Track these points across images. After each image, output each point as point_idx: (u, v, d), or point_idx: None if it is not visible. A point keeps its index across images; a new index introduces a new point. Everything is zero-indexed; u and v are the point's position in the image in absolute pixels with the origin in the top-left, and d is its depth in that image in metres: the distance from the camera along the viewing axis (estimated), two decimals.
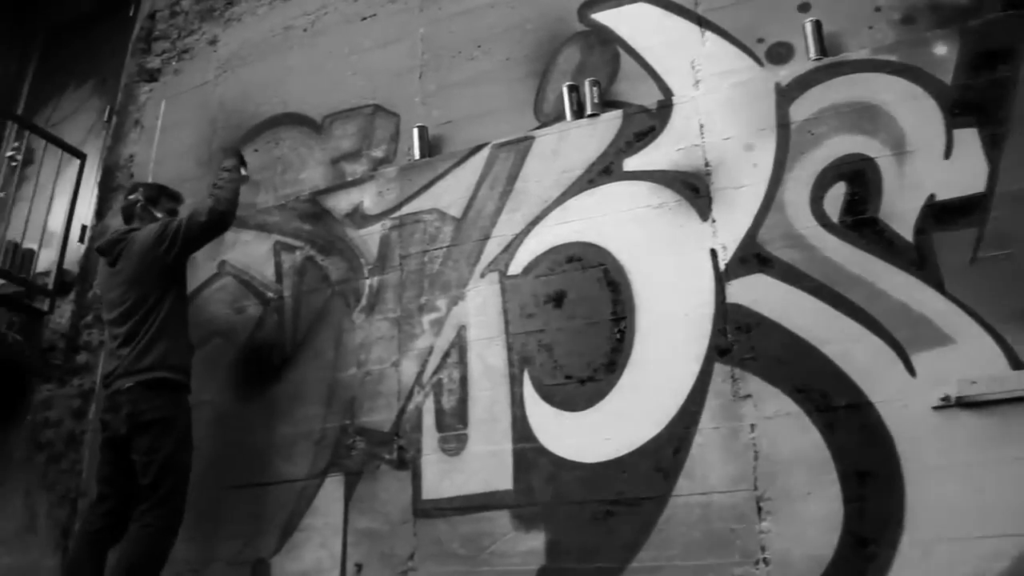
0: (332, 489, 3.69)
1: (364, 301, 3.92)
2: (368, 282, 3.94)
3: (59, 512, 4.39)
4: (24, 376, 4.85)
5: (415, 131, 4.10)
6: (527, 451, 3.33)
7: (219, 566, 3.83)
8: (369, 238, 4.02)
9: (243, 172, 4.07)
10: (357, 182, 4.20)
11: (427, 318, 3.73)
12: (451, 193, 3.89)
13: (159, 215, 3.94)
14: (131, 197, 3.99)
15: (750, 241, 3.26)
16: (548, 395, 3.38)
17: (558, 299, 3.49)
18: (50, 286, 5.00)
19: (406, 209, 3.98)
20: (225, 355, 4.18)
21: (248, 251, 4.37)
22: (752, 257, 3.24)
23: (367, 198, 4.12)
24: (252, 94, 4.85)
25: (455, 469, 3.44)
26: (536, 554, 3.20)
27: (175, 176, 4.81)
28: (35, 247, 5.00)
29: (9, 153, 5.69)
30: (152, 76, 5.38)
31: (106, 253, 3.85)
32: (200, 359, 4.03)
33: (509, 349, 3.51)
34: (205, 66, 5.16)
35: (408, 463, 3.55)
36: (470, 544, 3.31)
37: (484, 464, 3.39)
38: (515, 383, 3.44)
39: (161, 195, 4.03)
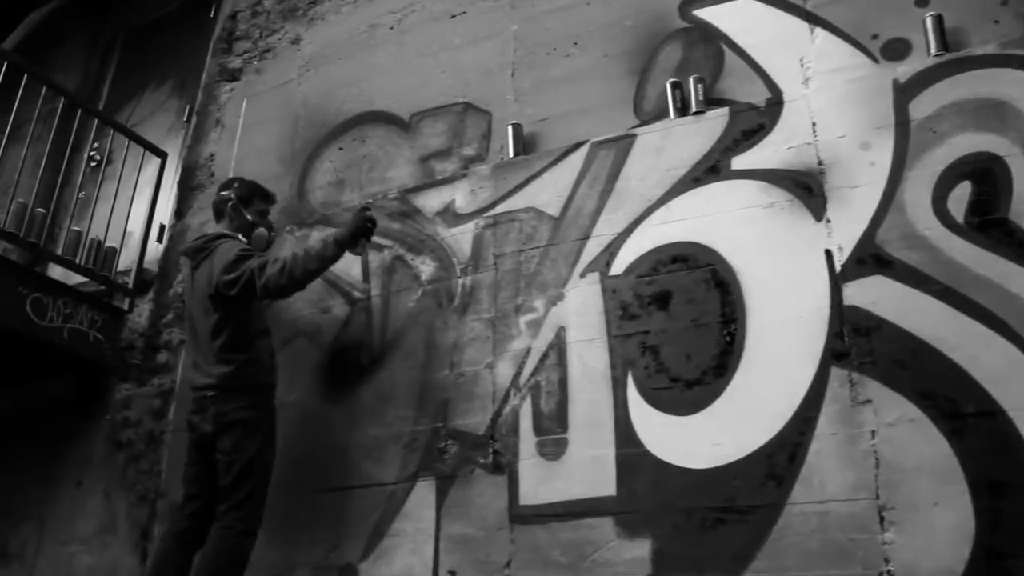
0: (423, 493, 3.65)
1: (457, 301, 3.89)
2: (461, 282, 3.92)
3: (138, 513, 4.41)
4: (103, 375, 4.89)
5: (509, 128, 4.08)
6: (631, 456, 3.27)
7: (304, 571, 3.81)
8: (462, 237, 4.00)
9: (346, 249, 3.67)
10: (448, 180, 4.18)
11: (524, 319, 3.69)
12: (548, 191, 3.85)
13: (249, 216, 3.93)
14: (223, 194, 3.98)
15: (868, 242, 3.18)
16: (653, 398, 3.31)
17: (663, 300, 3.43)
18: (130, 285, 5.04)
19: (501, 208, 3.96)
20: (310, 356, 4.18)
21: None
22: (870, 258, 3.16)
23: (459, 196, 4.10)
24: (336, 92, 4.87)
25: (554, 474, 3.38)
26: (641, 563, 3.13)
27: (256, 174, 4.80)
28: (116, 246, 5.03)
29: (90, 152, 5.76)
30: (233, 76, 5.43)
31: (189, 257, 3.88)
32: (284, 359, 4.03)
33: (611, 351, 3.45)
34: (288, 65, 5.20)
35: (504, 467, 3.50)
36: (571, 552, 3.25)
37: (585, 469, 3.33)
38: (618, 386, 3.39)
39: (254, 196, 4.00)
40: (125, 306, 5.01)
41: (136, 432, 4.62)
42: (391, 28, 4.84)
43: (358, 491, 3.80)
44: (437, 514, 3.59)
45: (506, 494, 3.46)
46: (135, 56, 6.43)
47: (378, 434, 3.85)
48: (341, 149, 4.66)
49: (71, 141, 5.31)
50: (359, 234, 3.67)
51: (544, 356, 3.58)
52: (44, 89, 4.87)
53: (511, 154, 4.04)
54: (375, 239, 4.16)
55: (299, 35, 5.23)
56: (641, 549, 3.14)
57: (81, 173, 5.70)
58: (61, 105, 5.29)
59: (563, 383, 3.50)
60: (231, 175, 4.98)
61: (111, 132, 5.36)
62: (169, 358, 4.73)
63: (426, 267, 4.05)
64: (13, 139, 4.76)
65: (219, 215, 3.98)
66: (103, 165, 5.40)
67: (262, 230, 3.96)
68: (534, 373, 3.58)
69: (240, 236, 3.88)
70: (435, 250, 4.06)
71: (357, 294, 4.18)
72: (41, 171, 5.44)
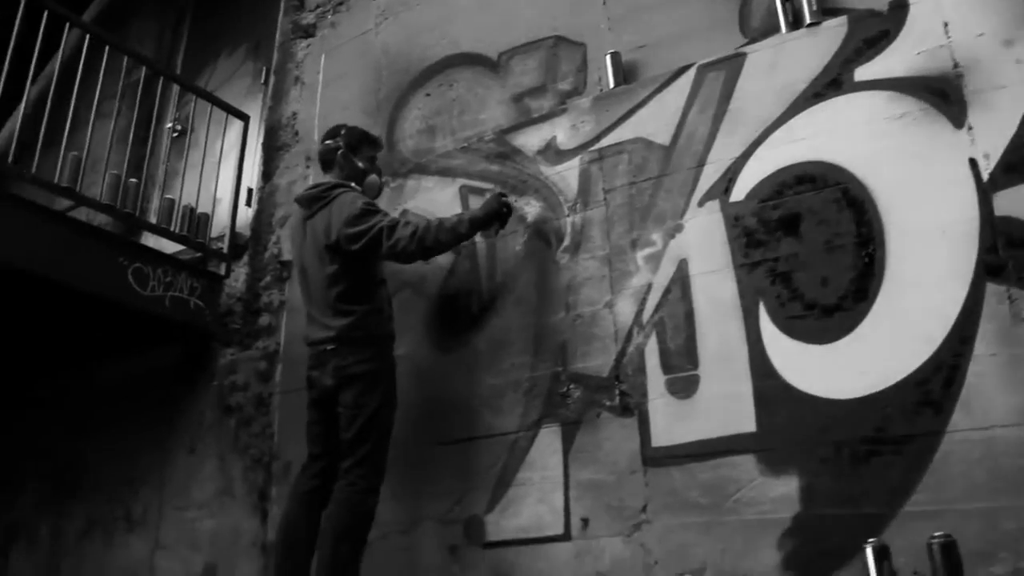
0: (548, 440, 3.50)
1: (567, 241, 3.71)
2: (570, 220, 3.73)
3: (254, 476, 4.35)
4: (207, 341, 4.83)
5: (608, 58, 3.85)
6: (769, 389, 3.06)
7: (430, 525, 3.70)
8: (567, 174, 3.80)
9: (479, 230, 3.63)
10: (547, 117, 3.97)
11: (641, 254, 3.49)
12: (656, 120, 3.63)
13: (360, 164, 3.79)
14: (329, 143, 3.82)
15: (1018, 147, 2.90)
16: (788, 328, 3.10)
17: (791, 224, 3.20)
18: (224, 250, 4.95)
19: (606, 141, 3.74)
20: (417, 307, 4.04)
21: (432, 198, 4.21)
22: (1022, 164, 2.89)
23: (560, 133, 3.89)
24: (418, 38, 4.67)
25: (688, 413, 3.20)
26: (789, 500, 2.94)
27: None
28: (207, 212, 4.95)
29: (171, 123, 5.69)
30: (308, 32, 5.27)
31: (304, 206, 3.74)
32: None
33: (739, 281, 3.24)
34: (364, 16, 5.01)
35: (633, 409, 3.33)
36: (712, 492, 3.08)
37: (721, 406, 3.14)
38: (749, 317, 3.18)
39: (362, 143, 3.85)
40: (222, 271, 4.93)
41: (244, 396, 4.55)
42: None
43: (479, 442, 3.68)
44: (564, 460, 3.44)
45: (637, 436, 3.29)
46: (206, 24, 6.30)
47: (495, 383, 3.71)
48: (428, 95, 4.48)
49: (155, 111, 5.23)
50: (494, 218, 3.55)
51: (667, 291, 3.39)
52: (125, 61, 4.76)
53: (611, 84, 3.81)
54: (475, 183, 4.00)
55: None
56: (787, 486, 2.96)
57: (166, 144, 5.63)
58: (143, 75, 5.22)
59: (689, 317, 3.30)
60: (316, 133, 4.84)
61: (192, 101, 5.26)
62: (271, 320, 4.64)
63: (531, 208, 3.87)
64: (98, 115, 4.67)
65: (328, 165, 3.83)
66: (188, 134, 5.29)
67: (374, 177, 3.84)
68: (657, 309, 3.39)
69: (353, 184, 3.73)
70: (539, 190, 3.87)
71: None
72: (129, 143, 5.40)
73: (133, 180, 4.64)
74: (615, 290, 3.51)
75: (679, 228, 3.43)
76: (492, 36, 4.36)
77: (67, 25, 4.54)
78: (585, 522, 3.32)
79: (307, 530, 3.47)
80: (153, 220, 4.84)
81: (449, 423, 3.78)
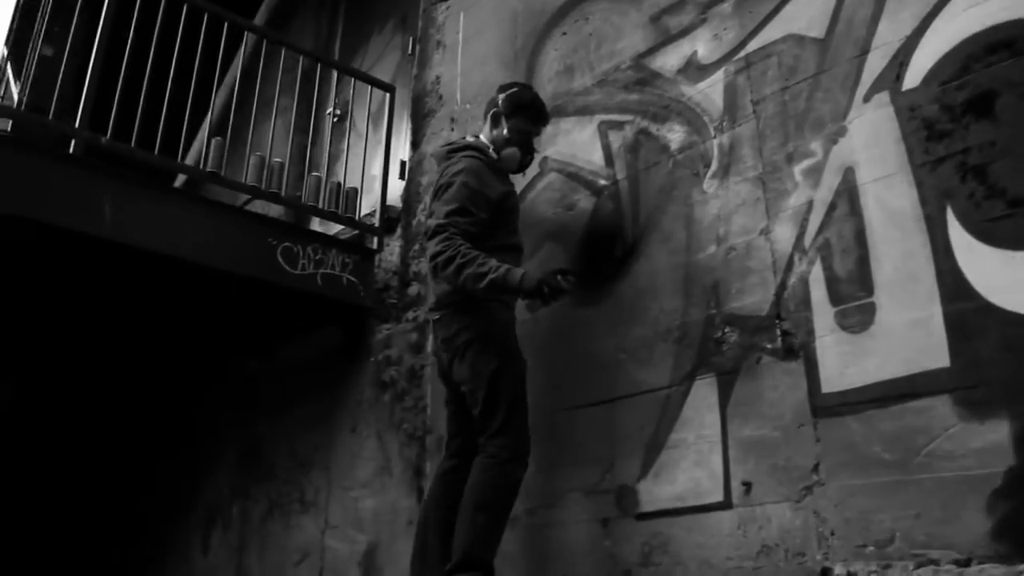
0: (703, 394, 2.96)
1: (715, 165, 3.14)
2: (717, 142, 3.16)
3: (408, 452, 4.07)
4: (363, 318, 4.61)
5: None
6: (967, 313, 2.37)
7: (577, 497, 3.25)
8: (711, 91, 3.23)
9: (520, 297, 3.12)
10: (686, 32, 3.41)
11: (799, 168, 2.88)
12: (807, 11, 2.99)
13: (505, 132, 3.34)
14: (493, 97, 3.45)
15: None
16: (986, 234, 2.39)
17: (984, 104, 2.47)
18: (376, 224, 4.73)
19: (752, 46, 3.14)
20: (557, 259, 3.58)
21: (570, 140, 3.76)
22: None
23: (701, 46, 3.32)
24: None
25: (863, 350, 2.56)
26: (1000, 451, 2.25)
27: (481, 84, 4.34)
28: (357, 188, 4.75)
29: (331, 110, 5.59)
30: None
31: (437, 163, 3.45)
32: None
33: (919, 184, 2.56)
34: None
35: (797, 351, 2.73)
36: (897, 445, 2.43)
37: (904, 338, 2.48)
38: (934, 226, 2.49)
39: (519, 111, 3.36)
40: (374, 246, 4.70)
41: (398, 370, 4.29)
42: None
43: (627, 401, 3.18)
44: (722, 416, 2.88)
45: (803, 383, 2.69)
46: (358, 9, 6.17)
47: (643, 334, 3.20)
48: (565, 34, 4.02)
49: (315, 98, 5.14)
50: (537, 295, 2.91)
51: (831, 207, 2.75)
52: (283, 53, 4.67)
53: None
54: (614, 117, 3.52)
55: None
56: (996, 433, 2.26)
57: (327, 130, 5.53)
58: (300, 64, 5.15)
59: (860, 236, 2.66)
60: (458, 93, 4.51)
61: (351, 85, 5.12)
62: (420, 289, 4.34)
63: (674, 135, 3.32)
64: (266, 110, 4.67)
65: (484, 117, 3.47)
66: (349, 118, 5.14)
67: (514, 150, 3.33)
68: (821, 230, 2.76)
69: (491, 149, 3.34)
70: (682, 113, 3.32)
71: (602, 182, 3.54)
72: (291, 133, 5.36)
73: (277, 160, 4.50)
74: (771, 214, 2.91)
75: (842, 132, 2.78)
76: None
77: (244, 34, 4.59)
78: (747, 486, 2.75)
79: (441, 509, 3.14)
80: (303, 199, 4.67)
81: (594, 383, 3.31)
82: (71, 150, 3.86)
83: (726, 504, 2.79)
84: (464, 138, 3.53)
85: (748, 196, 3.00)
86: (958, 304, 2.39)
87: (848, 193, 2.72)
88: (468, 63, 4.56)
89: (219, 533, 5.42)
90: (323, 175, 4.97)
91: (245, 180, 4.38)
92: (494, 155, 3.33)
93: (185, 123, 4.17)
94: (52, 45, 4.97)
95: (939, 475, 2.33)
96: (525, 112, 3.38)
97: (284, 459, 4.97)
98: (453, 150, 3.34)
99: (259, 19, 7.03)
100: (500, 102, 3.38)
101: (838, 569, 2.48)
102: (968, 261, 2.41)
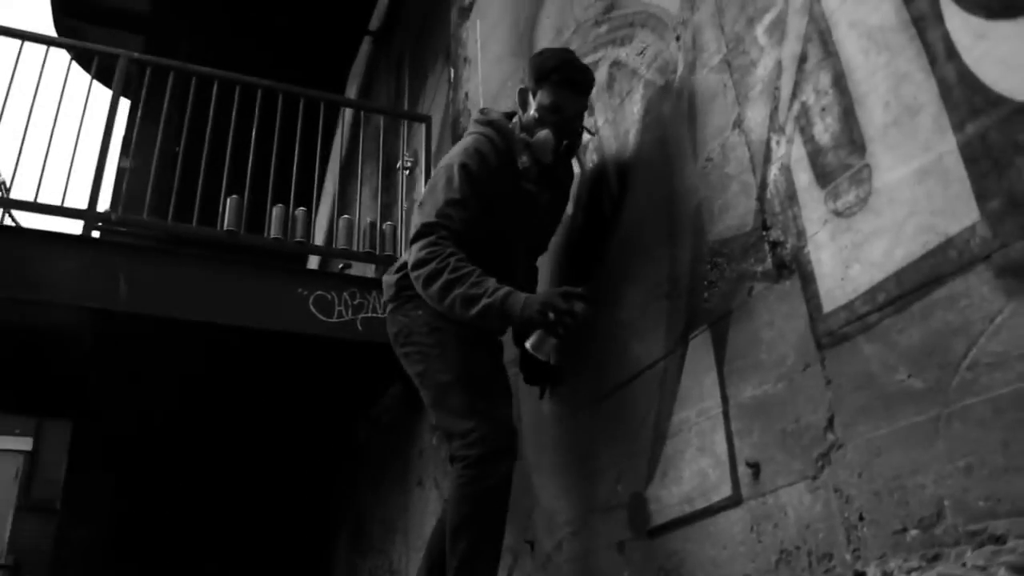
0: (699, 356, 2.06)
1: (681, 65, 2.30)
2: (679, 41, 2.32)
3: None
4: None
5: None
6: (989, 130, 1.39)
7: (596, 518, 2.39)
8: None
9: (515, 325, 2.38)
10: None
11: (761, 27, 1.99)
12: None
13: (531, 110, 2.49)
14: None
15: None
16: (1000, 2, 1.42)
17: None
18: None
19: None
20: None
21: None
22: None
23: None
24: None
25: (864, 236, 1.61)
26: None
27: (499, 83, 3.72)
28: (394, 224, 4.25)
29: (399, 165, 5.19)
30: (468, 9, 4.42)
31: None
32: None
33: None
34: None
35: (789, 264, 1.81)
36: (928, 363, 1.44)
37: (913, 199, 1.52)
38: (926, 27, 1.53)
39: (544, 79, 2.46)
40: None
41: None
42: None
43: (629, 387, 2.32)
44: (720, 378, 1.97)
45: (802, 306, 1.75)
46: (417, 56, 5.81)
47: (636, 298, 2.35)
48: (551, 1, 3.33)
49: (380, 150, 4.81)
50: (541, 323, 2.17)
51: (802, 59, 1.84)
52: (362, 117, 4.38)
53: None
54: (589, 59, 2.76)
55: None
56: None
57: (403, 182, 5.14)
58: (382, 126, 4.85)
59: (839, 80, 1.72)
60: (481, 102, 3.91)
61: (420, 132, 4.73)
62: None
63: (642, 54, 2.51)
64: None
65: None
66: (417, 164, 4.70)
67: (546, 133, 2.45)
68: (795, 94, 1.84)
69: (519, 132, 2.52)
70: (645, 23, 2.52)
71: (586, 137, 2.76)
72: (378, 191, 5.07)
73: (302, 208, 4.07)
74: (740, 96, 2.03)
75: None
76: None
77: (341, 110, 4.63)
78: (755, 469, 1.81)
79: (434, 539, 2.44)
80: (335, 243, 4.19)
81: (599, 373, 2.48)
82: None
83: (735, 499, 1.86)
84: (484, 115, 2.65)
85: (716, 86, 2.13)
86: (976, 122, 1.42)
87: (817, 32, 1.80)
88: (487, 68, 3.95)
89: None
90: (394, 224, 4.49)
91: (335, 244, 4.09)
92: (522, 135, 2.51)
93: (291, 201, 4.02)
94: (133, 158, 4.92)
95: (992, 394, 1.33)
96: (552, 79, 2.45)
97: (378, 527, 4.37)
98: (466, 131, 2.62)
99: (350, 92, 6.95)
100: (527, 78, 2.54)
101: (872, 571, 1.50)
102: (980, 54, 1.44)
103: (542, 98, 2.48)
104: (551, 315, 2.14)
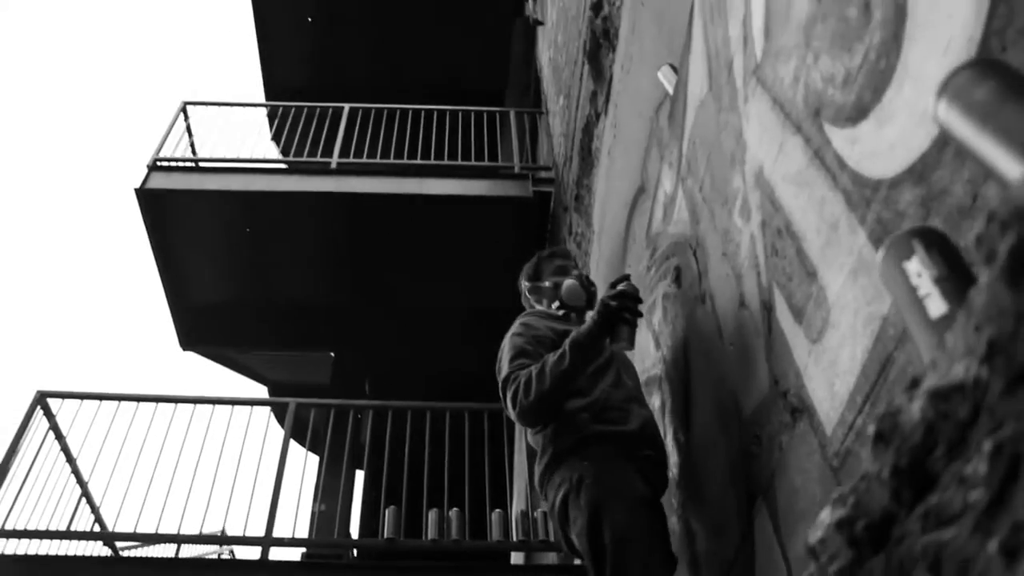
0: (762, 526, 1.94)
1: (698, 272, 2.41)
2: (695, 256, 2.46)
3: None
4: None
5: None
6: (882, 213, 1.42)
7: None
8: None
9: (600, 344, 2.26)
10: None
11: (735, 212, 2.10)
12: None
13: (547, 284, 2.70)
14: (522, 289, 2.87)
15: None
16: None
17: None
18: None
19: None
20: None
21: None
22: None
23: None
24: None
25: (834, 350, 1.58)
26: None
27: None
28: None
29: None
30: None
31: None
32: None
33: (797, 129, 1.74)
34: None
35: (798, 405, 1.75)
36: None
37: (854, 296, 1.50)
38: (823, 153, 1.63)
39: (540, 266, 2.77)
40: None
41: None
42: None
43: None
44: (779, 543, 1.83)
45: (814, 439, 1.66)
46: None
47: (709, 492, 2.26)
48: None
49: None
50: (607, 323, 2.22)
51: (763, 223, 1.93)
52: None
53: None
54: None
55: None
56: None
57: None
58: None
59: (788, 227, 1.78)
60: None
61: None
62: None
63: (680, 278, 2.65)
64: None
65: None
66: None
67: (570, 281, 2.63)
68: (768, 255, 1.91)
69: (552, 307, 2.65)
70: (673, 252, 2.68)
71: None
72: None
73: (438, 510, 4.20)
74: (736, 277, 2.10)
75: (744, 146, 2.05)
76: None
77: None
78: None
79: None
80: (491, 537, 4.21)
81: (698, 570, 2.32)
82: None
83: None
84: None
85: (722, 277, 2.22)
86: (870, 210, 1.44)
87: (767, 197, 1.91)
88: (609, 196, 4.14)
89: None
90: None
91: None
92: (554, 308, 2.63)
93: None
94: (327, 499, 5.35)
95: None
96: (543, 261, 2.77)
97: None
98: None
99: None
100: (522, 284, 2.79)
101: None
102: (858, 156, 1.50)
103: (549, 273, 2.73)
104: (612, 303, 2.19)
